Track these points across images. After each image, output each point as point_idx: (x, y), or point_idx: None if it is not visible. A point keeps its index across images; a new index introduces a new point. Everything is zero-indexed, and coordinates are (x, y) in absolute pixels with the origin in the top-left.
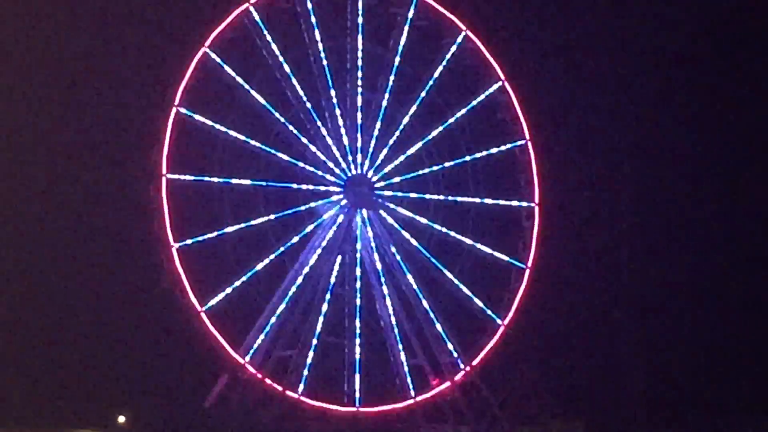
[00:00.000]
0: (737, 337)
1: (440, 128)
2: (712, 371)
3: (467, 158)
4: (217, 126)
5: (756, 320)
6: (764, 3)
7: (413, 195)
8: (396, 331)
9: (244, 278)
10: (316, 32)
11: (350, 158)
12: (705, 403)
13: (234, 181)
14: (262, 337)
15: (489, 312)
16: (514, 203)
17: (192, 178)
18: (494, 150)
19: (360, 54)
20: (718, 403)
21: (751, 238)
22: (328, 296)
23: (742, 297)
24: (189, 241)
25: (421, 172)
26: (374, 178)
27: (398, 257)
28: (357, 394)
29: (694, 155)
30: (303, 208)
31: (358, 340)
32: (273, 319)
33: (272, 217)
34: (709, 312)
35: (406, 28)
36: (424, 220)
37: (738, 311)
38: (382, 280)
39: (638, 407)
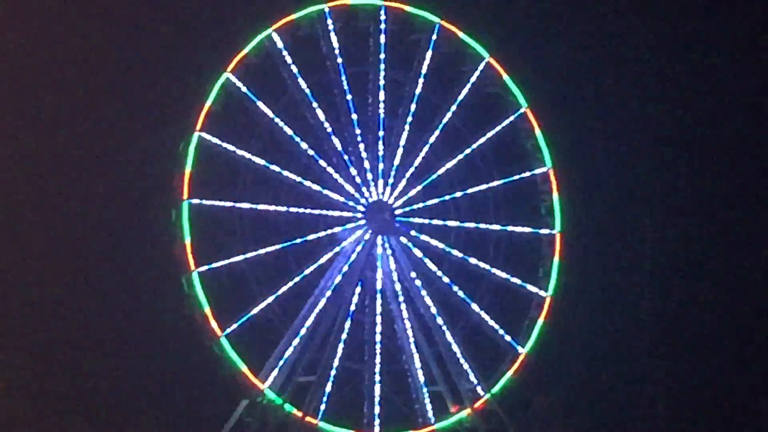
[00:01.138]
0: None
1: (461, 155)
2: (740, 404)
3: (488, 185)
4: (239, 151)
5: None
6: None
7: (434, 221)
8: (416, 357)
9: (264, 304)
10: (338, 58)
11: (372, 184)
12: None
13: (255, 206)
14: (281, 362)
15: (509, 339)
16: (535, 230)
17: (213, 203)
18: (516, 177)
19: (382, 80)
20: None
21: None
22: (348, 322)
23: None
24: (210, 266)
25: (442, 198)
26: (395, 205)
27: (419, 284)
28: (376, 421)
29: (722, 180)
30: (324, 234)
31: (378, 367)
32: (293, 345)
33: (293, 242)
34: (739, 341)
35: (429, 54)
36: (445, 247)
37: None
38: (403, 306)
39: None
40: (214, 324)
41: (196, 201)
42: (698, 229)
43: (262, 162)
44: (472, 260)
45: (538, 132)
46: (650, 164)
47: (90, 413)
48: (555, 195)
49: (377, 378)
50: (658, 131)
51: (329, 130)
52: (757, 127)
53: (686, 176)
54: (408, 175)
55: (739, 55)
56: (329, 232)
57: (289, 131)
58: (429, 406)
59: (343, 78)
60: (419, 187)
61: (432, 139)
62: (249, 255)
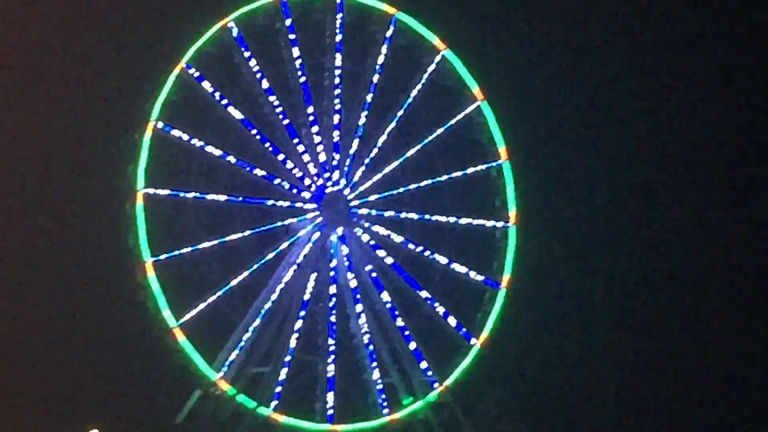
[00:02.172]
0: (730, 362)
1: (417, 147)
2: (696, 396)
3: (444, 177)
4: (194, 141)
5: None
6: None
7: (389, 213)
8: (370, 349)
9: (218, 294)
10: (295, 49)
11: (327, 176)
12: (689, 428)
13: (210, 196)
14: (235, 353)
15: (463, 331)
16: (490, 223)
17: (168, 192)
18: (471, 170)
19: (338, 72)
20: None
21: (748, 257)
22: (302, 313)
23: (734, 313)
24: (164, 256)
25: (397, 190)
26: (350, 196)
27: (373, 275)
28: (330, 412)
29: (678, 170)
30: (278, 224)
31: (331, 358)
32: (246, 336)
33: (247, 233)
34: (696, 331)
35: (385, 46)
36: (399, 239)
37: (731, 329)
38: (357, 297)
39: (614, 429)
40: (168, 314)
41: (151, 191)
42: (656, 219)
43: (217, 152)
44: (427, 252)
45: (493, 124)
46: (607, 155)
47: (42, 404)
48: (509, 187)
49: (331, 369)
50: (616, 121)
51: (285, 121)
52: (722, 114)
53: (643, 166)
54: (363, 166)
55: (701, 40)
56: (284, 222)
57: (245, 121)
58: (382, 398)
59: (300, 69)
60: (375, 179)
61: (388, 131)
62: (203, 245)
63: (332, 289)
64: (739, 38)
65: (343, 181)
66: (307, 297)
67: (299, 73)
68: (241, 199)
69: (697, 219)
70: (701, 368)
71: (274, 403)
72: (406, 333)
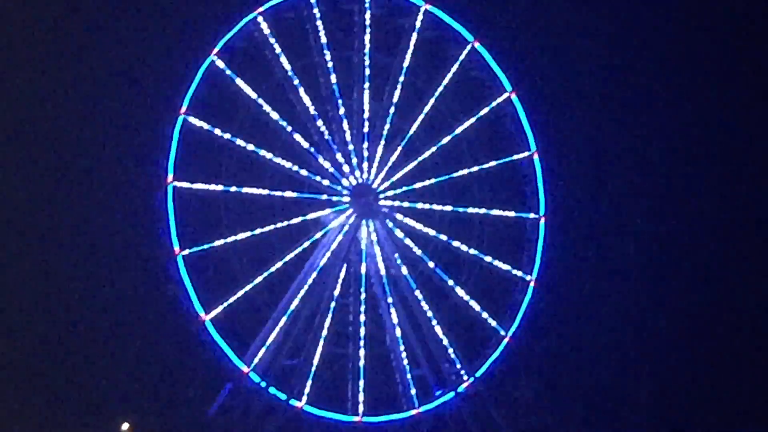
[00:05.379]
0: (754, 354)
1: (447, 138)
2: (722, 391)
3: (473, 169)
4: (224, 134)
5: None
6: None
7: (419, 205)
8: (400, 341)
9: (248, 287)
10: (324, 42)
11: (357, 168)
12: (713, 422)
13: (240, 189)
14: (266, 346)
15: (493, 323)
16: (520, 215)
17: (198, 186)
18: (501, 161)
19: (367, 64)
20: (725, 421)
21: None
22: (332, 306)
23: (760, 311)
24: (194, 249)
25: (427, 182)
26: (380, 188)
27: (403, 267)
28: (360, 404)
29: (707, 164)
30: (309, 217)
31: (362, 351)
32: (277, 329)
33: (278, 225)
34: (722, 328)
35: (414, 38)
36: (429, 231)
37: (756, 327)
38: (387, 290)
39: (642, 424)
40: (198, 307)
41: (181, 184)
42: (684, 215)
43: (247, 145)
44: (456, 244)
45: (522, 116)
46: (635, 149)
47: (74, 397)
48: (539, 179)
49: (361, 362)
50: (645, 117)
51: (314, 113)
52: (741, 119)
53: (672, 163)
54: (393, 159)
55: (721, 49)
56: (314, 215)
57: (275, 115)
58: (413, 390)
59: (329, 62)
60: (404, 171)
61: (417, 123)
62: (234, 239)
63: (362, 281)
64: None
65: (373, 174)
66: (337, 289)
67: (329, 65)
68: (271, 192)
69: (731, 212)
70: (731, 361)
71: (305, 396)
72: (437, 325)
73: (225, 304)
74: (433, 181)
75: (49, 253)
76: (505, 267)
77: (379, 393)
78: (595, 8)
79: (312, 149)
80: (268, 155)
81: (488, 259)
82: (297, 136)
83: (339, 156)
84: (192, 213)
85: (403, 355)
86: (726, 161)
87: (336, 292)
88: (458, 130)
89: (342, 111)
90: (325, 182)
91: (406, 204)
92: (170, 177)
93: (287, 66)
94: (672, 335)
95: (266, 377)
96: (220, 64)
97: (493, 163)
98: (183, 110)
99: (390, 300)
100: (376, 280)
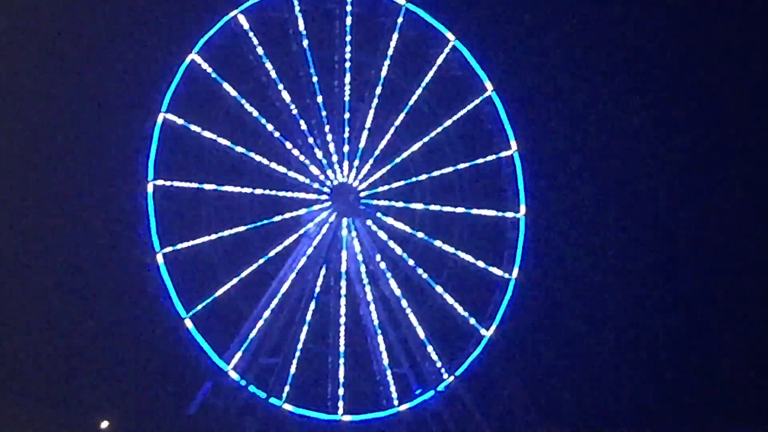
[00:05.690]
0: (736, 351)
1: (427, 138)
2: (703, 385)
3: (453, 168)
4: (204, 132)
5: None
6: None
7: (399, 204)
8: (380, 339)
9: (228, 285)
10: (305, 40)
11: (337, 167)
12: (696, 417)
13: (220, 187)
14: (246, 344)
15: (473, 322)
16: (500, 213)
17: (178, 184)
18: (481, 160)
19: (348, 63)
20: (709, 417)
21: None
22: (312, 304)
23: (740, 304)
24: (175, 248)
25: (407, 181)
26: (360, 187)
27: (383, 266)
28: (340, 403)
29: (688, 163)
30: (289, 215)
31: (342, 349)
32: (257, 327)
33: (258, 224)
34: (703, 325)
35: (395, 37)
36: (409, 229)
37: (736, 318)
38: (367, 288)
39: (624, 420)
40: (178, 305)
41: (161, 182)
42: (665, 213)
43: (227, 143)
44: (437, 243)
45: (503, 115)
46: (616, 147)
47: (54, 396)
48: (520, 178)
49: (341, 360)
50: (625, 115)
51: (295, 112)
52: (721, 117)
53: (652, 160)
54: (373, 157)
55: (703, 43)
56: (294, 214)
57: (255, 113)
58: (393, 388)
59: (309, 60)
60: (384, 170)
61: (397, 122)
62: (214, 237)
63: (343, 280)
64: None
65: (353, 173)
66: (317, 288)
67: (309, 64)
68: (251, 190)
69: (707, 212)
70: (709, 358)
71: (284, 394)
72: (417, 323)
73: (205, 303)
74: (413, 179)
75: (30, 253)
76: (485, 266)
77: (359, 391)
78: (575, 6)
79: (293, 148)
80: (249, 153)
81: (468, 257)
82: (277, 135)
83: (320, 154)
84: (172, 211)
85: (383, 353)
86: (707, 159)
87: (316, 291)
88: (439, 129)
89: (323, 109)
90: (306, 180)
91: (386, 203)
92: (151, 175)
93: (268, 64)
94: (653, 333)
95: (246, 375)
96: (201, 62)
97: (473, 162)
98: (163, 108)
99: (370, 298)
100: (356, 279)
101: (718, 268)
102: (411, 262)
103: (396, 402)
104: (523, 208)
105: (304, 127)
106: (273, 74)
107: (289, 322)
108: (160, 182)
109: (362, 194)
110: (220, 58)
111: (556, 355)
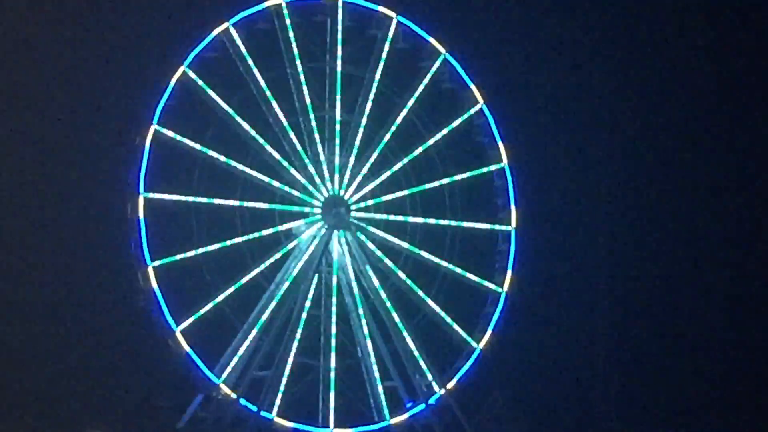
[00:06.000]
0: (731, 362)
1: (418, 150)
2: (693, 400)
3: (445, 181)
4: (195, 145)
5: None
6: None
7: (390, 217)
8: (371, 352)
9: (220, 298)
10: (296, 53)
11: (328, 179)
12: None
13: (211, 200)
14: (237, 357)
15: (464, 335)
16: (491, 226)
17: (169, 197)
18: (472, 173)
19: (339, 75)
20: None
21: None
22: (303, 317)
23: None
24: (165, 260)
25: (398, 194)
26: (352, 200)
27: (375, 279)
28: (331, 416)
29: (680, 175)
30: (280, 228)
31: (333, 362)
32: (248, 340)
33: (249, 237)
34: (696, 338)
35: (385, 49)
36: (401, 242)
37: (729, 339)
38: (359, 301)
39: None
40: (169, 318)
41: (151, 195)
42: (658, 225)
43: (218, 156)
44: (428, 256)
45: (494, 128)
46: (608, 160)
47: (44, 408)
48: (511, 191)
49: (332, 373)
50: (618, 124)
51: (286, 125)
52: (716, 129)
53: (645, 169)
54: (364, 170)
55: (705, 41)
56: (285, 227)
57: (246, 126)
58: (384, 402)
59: (301, 73)
60: (375, 183)
61: (388, 135)
62: (205, 250)
63: (334, 293)
64: (735, 40)
65: (344, 185)
66: (308, 302)
67: (300, 76)
68: (242, 203)
69: (699, 223)
70: (702, 370)
71: (276, 408)
72: (408, 337)
73: (196, 316)
74: (405, 192)
75: (20, 266)
76: (477, 279)
77: (350, 405)
78: (567, 19)
79: (284, 160)
80: (240, 166)
81: (460, 270)
82: (268, 147)
83: (311, 167)
84: (163, 224)
85: (374, 366)
86: (700, 172)
87: (307, 304)
88: (430, 142)
89: (314, 122)
90: (297, 193)
91: (377, 215)
92: (141, 187)
93: (259, 77)
94: (645, 346)
95: (237, 389)
96: (192, 75)
97: (465, 175)
98: (154, 121)
99: (361, 311)
100: (347, 292)
101: (714, 283)
102: (402, 275)
103: (387, 415)
104: (514, 221)
105: (294, 139)
106: (264, 87)
107: (280, 335)
108: (150, 195)
109: (353, 207)
110: (211, 71)
111: (547, 368)
